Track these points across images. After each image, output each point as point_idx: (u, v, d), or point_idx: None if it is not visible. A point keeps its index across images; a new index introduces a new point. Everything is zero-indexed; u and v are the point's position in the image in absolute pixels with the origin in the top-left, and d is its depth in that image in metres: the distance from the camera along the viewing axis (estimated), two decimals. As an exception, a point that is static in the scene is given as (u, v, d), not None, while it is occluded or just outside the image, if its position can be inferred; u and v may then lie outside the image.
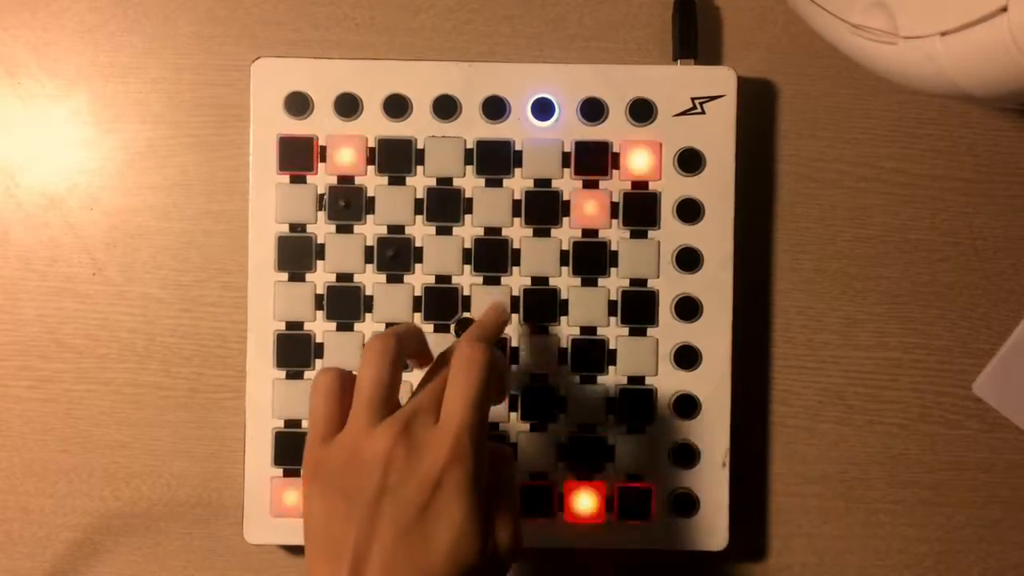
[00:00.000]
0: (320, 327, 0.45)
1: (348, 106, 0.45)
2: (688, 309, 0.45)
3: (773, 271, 0.48)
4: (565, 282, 0.45)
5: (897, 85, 0.37)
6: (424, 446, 0.35)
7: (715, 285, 0.45)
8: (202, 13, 0.48)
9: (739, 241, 0.45)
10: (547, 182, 0.45)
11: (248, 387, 0.45)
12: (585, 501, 0.45)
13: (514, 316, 0.45)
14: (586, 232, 0.45)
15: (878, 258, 0.48)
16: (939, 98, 0.47)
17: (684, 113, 0.45)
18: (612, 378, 0.45)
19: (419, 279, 0.45)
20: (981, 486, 0.48)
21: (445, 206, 0.45)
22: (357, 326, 0.45)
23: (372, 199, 0.45)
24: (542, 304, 0.45)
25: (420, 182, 0.45)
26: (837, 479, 0.48)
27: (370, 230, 0.45)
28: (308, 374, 0.45)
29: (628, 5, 0.48)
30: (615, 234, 0.45)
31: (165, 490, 0.47)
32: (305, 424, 0.45)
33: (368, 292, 0.45)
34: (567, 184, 0.45)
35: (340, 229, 0.45)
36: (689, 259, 0.45)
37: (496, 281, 0.45)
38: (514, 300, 0.45)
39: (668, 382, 0.45)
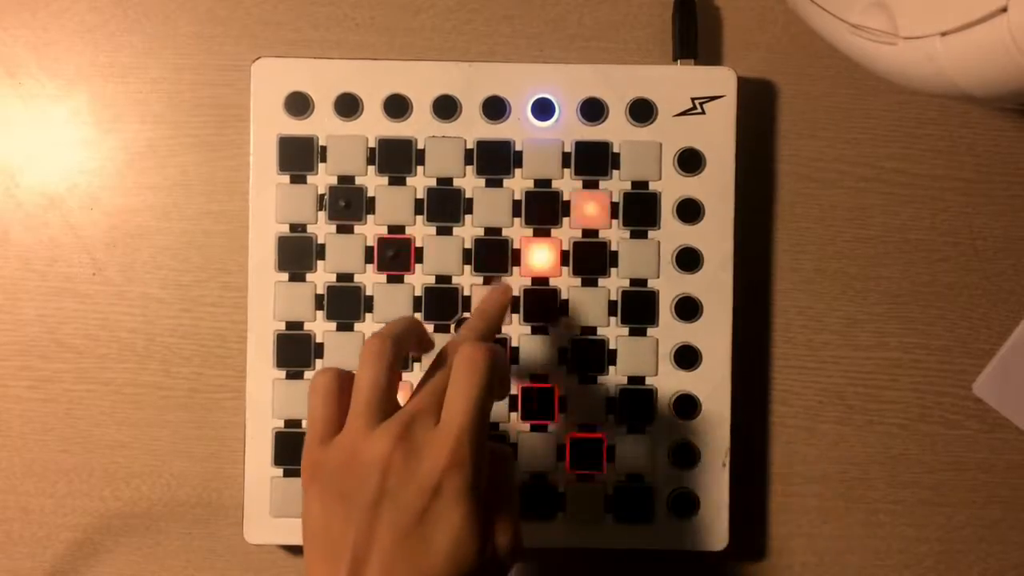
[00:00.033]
0: (320, 327, 0.45)
1: (348, 106, 0.45)
2: (688, 309, 0.45)
3: (773, 271, 0.48)
4: (565, 282, 0.45)
5: (897, 85, 0.37)
6: (423, 449, 0.34)
7: (715, 285, 0.45)
8: (202, 13, 0.48)
9: (739, 241, 0.45)
10: (547, 182, 0.45)
11: (248, 387, 0.45)
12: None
13: (514, 316, 0.45)
14: (586, 232, 0.45)
15: (878, 258, 0.48)
16: (939, 98, 0.47)
17: (684, 113, 0.45)
18: (612, 378, 0.45)
19: (419, 279, 0.45)
20: (981, 486, 0.48)
21: (445, 206, 0.45)
22: (357, 326, 0.45)
23: (372, 199, 0.45)
24: (542, 304, 0.45)
25: (420, 182, 0.45)
26: (837, 479, 0.48)
27: (370, 230, 0.45)
28: (308, 374, 0.45)
29: (628, 5, 0.48)
30: (615, 234, 0.45)
31: (165, 490, 0.47)
32: (305, 424, 0.45)
33: (368, 292, 0.45)
34: (567, 184, 0.45)
35: (340, 229, 0.45)
36: (689, 259, 0.45)
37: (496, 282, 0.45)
38: (514, 300, 0.45)
39: (668, 382, 0.45)
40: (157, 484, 0.47)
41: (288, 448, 0.45)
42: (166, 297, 0.47)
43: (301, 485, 0.36)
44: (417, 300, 0.45)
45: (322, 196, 0.45)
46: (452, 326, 0.45)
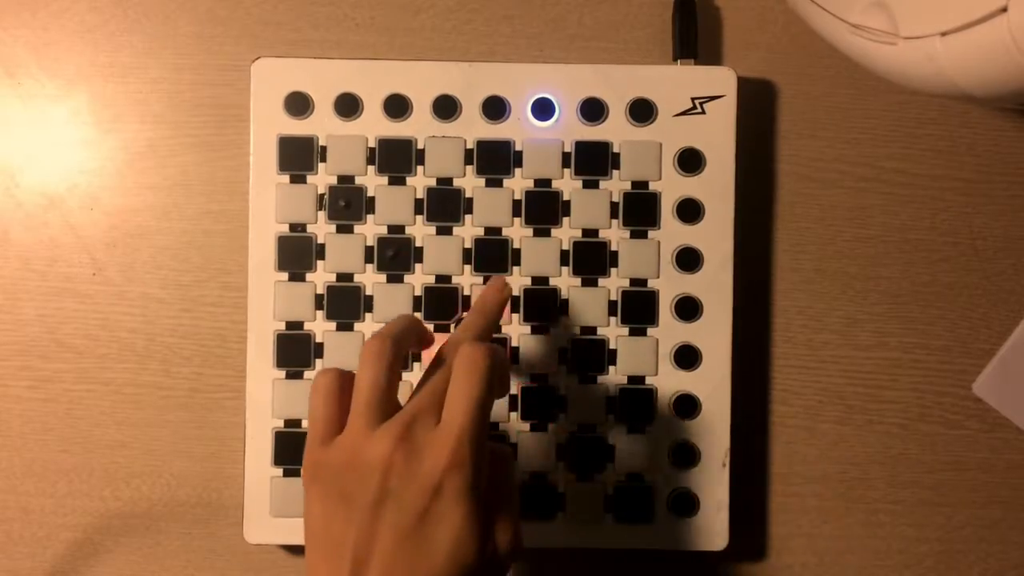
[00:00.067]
0: (320, 327, 0.45)
1: (348, 106, 0.45)
2: (688, 309, 0.45)
3: (773, 271, 0.48)
4: (565, 282, 0.45)
5: (897, 85, 0.37)
6: (424, 450, 0.34)
7: (715, 285, 0.45)
8: (202, 13, 0.48)
9: (739, 241, 0.45)
10: (547, 182, 0.45)
11: (248, 387, 0.45)
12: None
13: (514, 316, 0.45)
14: (586, 232, 0.45)
15: (878, 258, 0.48)
16: (939, 98, 0.47)
17: (684, 113, 0.45)
18: (612, 378, 0.45)
19: (419, 279, 0.45)
20: (981, 486, 0.48)
21: (445, 206, 0.45)
22: (357, 326, 0.45)
23: (372, 199, 0.45)
24: (542, 304, 0.45)
25: (420, 182, 0.45)
26: (837, 479, 0.48)
27: (370, 230, 0.45)
28: (308, 374, 0.45)
29: (628, 5, 0.48)
30: (615, 234, 0.45)
31: (165, 490, 0.47)
32: (305, 424, 0.45)
33: (368, 292, 0.45)
34: (567, 184, 0.45)
35: (340, 229, 0.45)
36: (689, 259, 0.45)
37: (496, 281, 0.45)
38: (514, 300, 0.45)
39: (668, 382, 0.45)
40: (157, 484, 0.47)
41: (288, 448, 0.45)
42: (166, 297, 0.47)
43: (302, 485, 0.36)
44: (417, 300, 0.45)
45: (322, 196, 0.45)
46: (452, 326, 0.45)
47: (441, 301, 0.45)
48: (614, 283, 0.45)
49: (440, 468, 0.34)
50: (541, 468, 0.45)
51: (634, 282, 0.45)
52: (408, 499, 0.34)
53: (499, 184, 0.45)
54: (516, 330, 0.45)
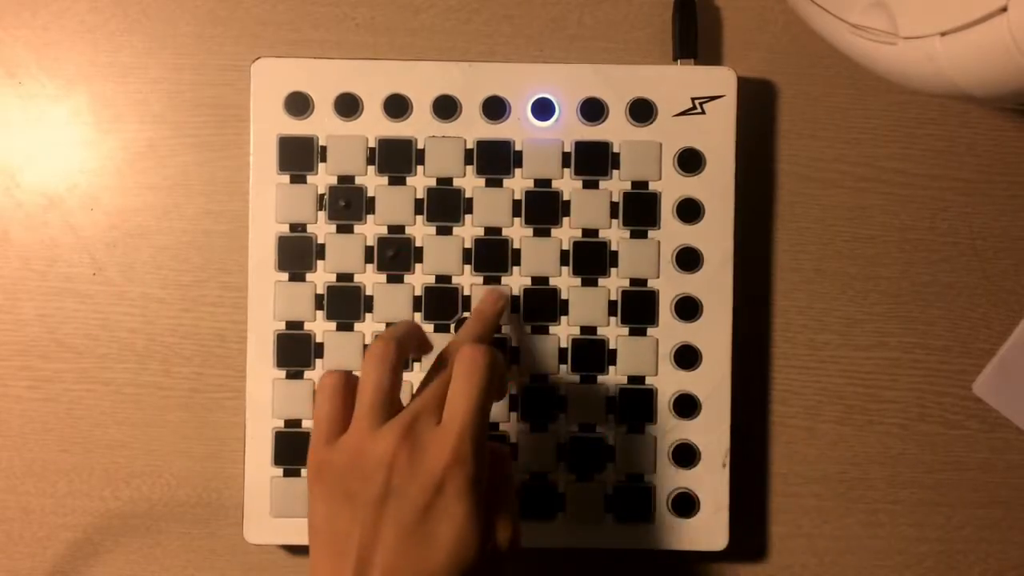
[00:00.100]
0: (320, 327, 0.45)
1: (348, 106, 0.45)
2: (688, 309, 0.45)
3: (773, 271, 0.48)
4: (565, 282, 0.45)
5: (897, 85, 0.37)
6: (426, 448, 0.35)
7: (715, 285, 0.45)
8: (202, 13, 0.48)
9: (739, 241, 0.45)
10: (547, 182, 0.45)
11: (248, 387, 0.45)
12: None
13: (514, 316, 0.45)
14: (586, 232, 0.45)
15: (878, 258, 0.48)
16: (939, 98, 0.47)
17: (684, 113, 0.45)
18: (612, 378, 0.45)
19: (419, 279, 0.45)
20: (981, 486, 0.48)
21: (445, 206, 0.45)
22: (357, 326, 0.45)
23: (372, 199, 0.45)
24: (542, 304, 0.45)
25: (420, 182, 0.45)
26: (837, 479, 0.48)
27: (370, 230, 0.45)
28: (308, 374, 0.45)
29: (628, 5, 0.48)
30: (615, 234, 0.45)
31: (165, 490, 0.47)
32: (305, 424, 0.45)
33: (368, 292, 0.45)
34: (567, 184, 0.45)
35: (340, 229, 0.45)
36: (689, 259, 0.45)
37: (496, 281, 0.45)
38: (514, 300, 0.45)
39: (668, 382, 0.45)
40: (157, 484, 0.47)
41: (288, 448, 0.45)
42: (166, 297, 0.47)
43: (307, 485, 0.37)
44: (417, 300, 0.45)
45: (322, 196, 0.45)
46: (452, 326, 0.45)
47: (441, 301, 0.45)
48: (614, 283, 0.45)
49: (442, 465, 0.35)
50: (541, 468, 0.45)
51: (634, 282, 0.45)
52: (411, 496, 0.34)
53: (499, 184, 0.45)
54: (516, 330, 0.45)
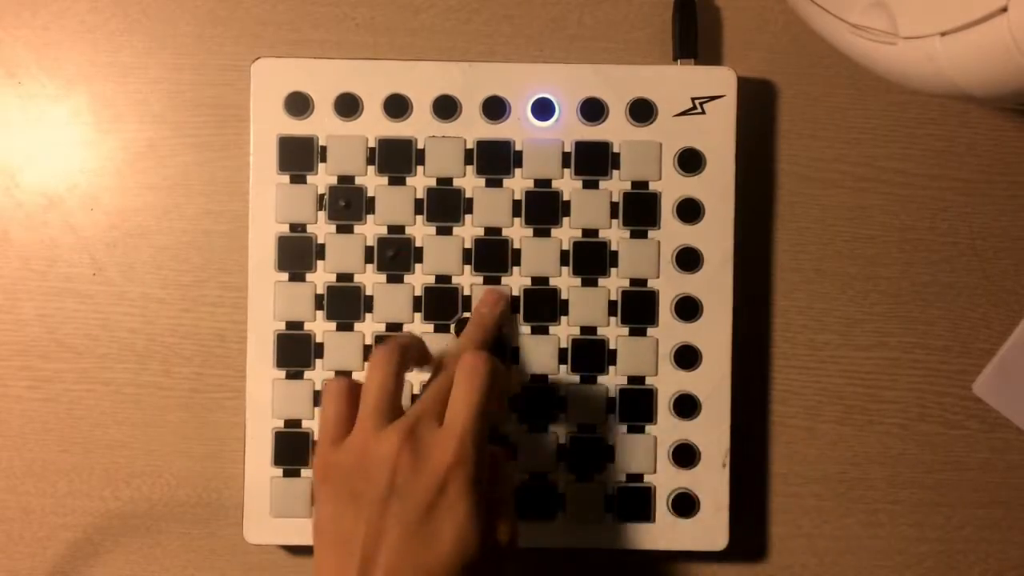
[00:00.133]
0: (320, 327, 0.45)
1: (348, 106, 0.45)
2: (688, 309, 0.45)
3: (773, 271, 0.48)
4: (565, 282, 0.45)
5: (897, 85, 0.37)
6: (429, 448, 0.36)
7: (715, 285, 0.45)
8: (202, 13, 0.48)
9: (739, 241, 0.45)
10: (547, 182, 0.45)
11: (248, 387, 0.45)
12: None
13: (514, 316, 0.45)
14: (586, 232, 0.45)
15: (878, 258, 0.48)
16: (939, 98, 0.47)
17: (684, 113, 0.45)
18: (612, 378, 0.45)
19: (419, 279, 0.45)
20: (981, 486, 0.48)
21: (445, 206, 0.45)
22: (357, 326, 0.45)
23: (372, 199, 0.45)
24: (542, 304, 0.45)
25: (420, 182, 0.45)
26: (837, 479, 0.48)
27: (370, 230, 0.45)
28: (308, 374, 0.45)
29: (628, 5, 0.48)
30: (615, 234, 0.45)
31: (165, 490, 0.47)
32: (305, 424, 0.45)
33: (368, 292, 0.45)
34: (567, 184, 0.45)
35: (340, 229, 0.45)
36: (689, 259, 0.45)
37: (496, 281, 0.45)
38: (514, 300, 0.45)
39: (668, 382, 0.45)
40: (157, 484, 0.47)
41: (288, 448, 0.45)
42: (166, 297, 0.47)
43: (313, 486, 0.38)
44: (417, 300, 0.45)
45: (322, 196, 0.45)
46: (452, 326, 0.45)
47: (441, 301, 0.45)
48: (614, 283, 0.45)
49: (445, 465, 0.36)
50: (541, 468, 0.45)
51: (634, 282, 0.45)
52: (414, 495, 0.35)
53: (499, 184, 0.45)
54: (516, 330, 0.45)
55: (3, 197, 0.48)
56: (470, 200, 0.45)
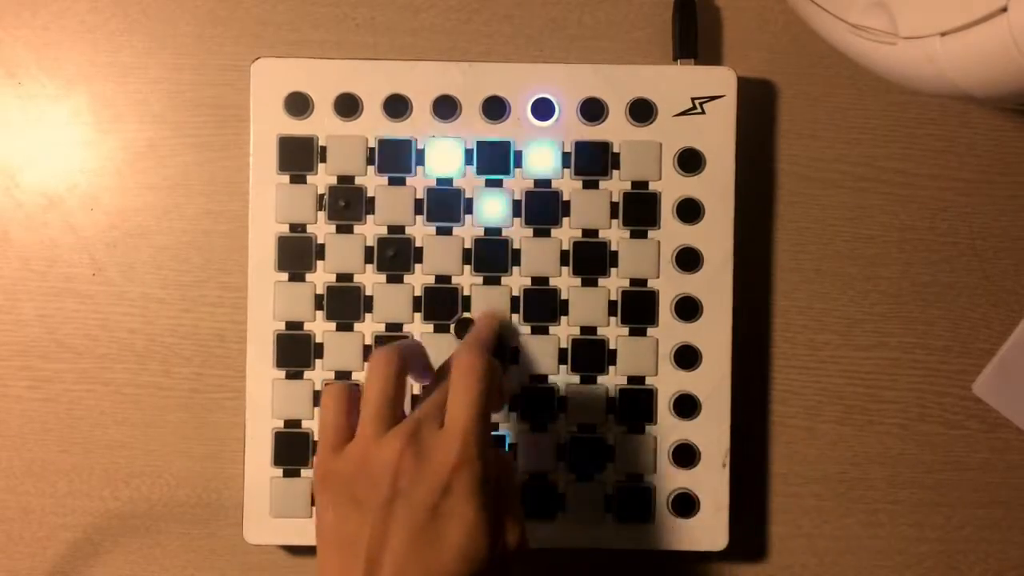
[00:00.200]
0: (320, 327, 0.45)
1: (348, 106, 0.45)
2: (688, 309, 0.45)
3: (773, 271, 0.48)
4: (565, 282, 0.45)
5: (897, 85, 0.37)
6: (431, 450, 0.36)
7: (715, 285, 0.45)
8: (202, 13, 0.48)
9: (739, 241, 0.45)
10: (547, 182, 0.45)
11: (248, 387, 0.45)
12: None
13: (514, 316, 0.45)
14: (586, 232, 0.45)
15: (878, 258, 0.48)
16: (939, 98, 0.47)
17: (684, 113, 0.45)
18: (612, 378, 0.45)
19: (419, 279, 0.45)
20: (981, 486, 0.48)
21: (445, 206, 0.45)
22: (357, 326, 0.45)
23: (372, 199, 0.45)
24: (542, 304, 0.45)
25: (420, 182, 0.45)
26: (837, 479, 0.48)
27: (370, 230, 0.45)
28: (308, 374, 0.45)
29: (628, 5, 0.48)
30: (615, 234, 0.45)
31: (165, 490, 0.47)
32: (304, 424, 0.45)
33: (368, 292, 0.45)
34: (567, 184, 0.45)
35: (340, 229, 0.45)
36: (689, 259, 0.45)
37: (496, 281, 0.45)
38: (514, 300, 0.45)
39: (668, 382, 0.45)
40: (157, 484, 0.47)
41: (288, 448, 0.45)
42: (166, 297, 0.47)
43: (314, 493, 0.38)
44: (417, 300, 0.45)
45: (322, 196, 0.45)
46: (452, 326, 0.45)
47: (441, 301, 0.45)
48: (614, 283, 0.45)
49: (448, 466, 0.35)
50: (541, 468, 0.45)
51: (634, 282, 0.45)
52: (418, 498, 0.35)
53: (499, 184, 0.45)
54: (516, 330, 0.45)
55: (3, 197, 0.48)
56: (470, 200, 0.45)
